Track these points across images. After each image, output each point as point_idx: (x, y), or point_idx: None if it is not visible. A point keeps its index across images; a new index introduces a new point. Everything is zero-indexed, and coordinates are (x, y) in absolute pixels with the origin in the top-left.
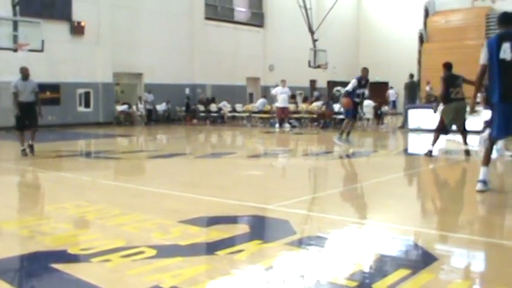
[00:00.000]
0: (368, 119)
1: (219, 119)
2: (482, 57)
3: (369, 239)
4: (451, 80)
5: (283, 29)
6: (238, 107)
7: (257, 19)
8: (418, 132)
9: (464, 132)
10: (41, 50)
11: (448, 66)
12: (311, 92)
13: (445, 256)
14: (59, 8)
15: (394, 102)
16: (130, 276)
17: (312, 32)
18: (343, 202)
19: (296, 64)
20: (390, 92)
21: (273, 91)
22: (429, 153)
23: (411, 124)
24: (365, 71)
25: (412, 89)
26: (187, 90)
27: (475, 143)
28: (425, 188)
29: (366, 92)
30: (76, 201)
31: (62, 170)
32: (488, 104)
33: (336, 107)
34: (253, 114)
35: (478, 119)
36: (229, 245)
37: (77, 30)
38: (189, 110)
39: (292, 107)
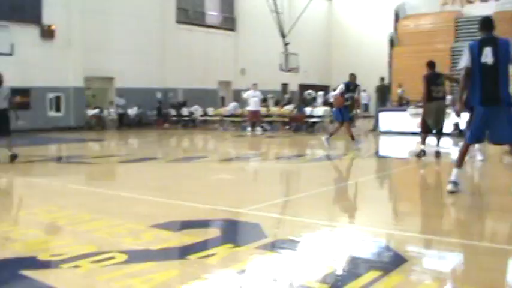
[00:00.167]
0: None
1: (190, 123)
2: (465, 59)
3: (341, 242)
4: (433, 79)
5: (254, 33)
6: (210, 110)
7: (229, 23)
8: (389, 135)
9: (439, 133)
10: (10, 54)
11: (431, 64)
12: (282, 95)
13: (415, 258)
14: (28, 12)
15: (366, 105)
16: (101, 282)
17: (283, 36)
18: (315, 205)
19: (268, 68)
20: (362, 95)
21: (245, 95)
22: (423, 153)
23: (382, 127)
24: (352, 76)
25: (383, 92)
26: (158, 94)
27: (448, 145)
28: (396, 190)
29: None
30: (47, 207)
31: (32, 175)
32: (467, 106)
33: (308, 110)
34: (225, 118)
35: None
36: (201, 249)
37: (47, 34)
38: (161, 114)
39: (263, 110)
